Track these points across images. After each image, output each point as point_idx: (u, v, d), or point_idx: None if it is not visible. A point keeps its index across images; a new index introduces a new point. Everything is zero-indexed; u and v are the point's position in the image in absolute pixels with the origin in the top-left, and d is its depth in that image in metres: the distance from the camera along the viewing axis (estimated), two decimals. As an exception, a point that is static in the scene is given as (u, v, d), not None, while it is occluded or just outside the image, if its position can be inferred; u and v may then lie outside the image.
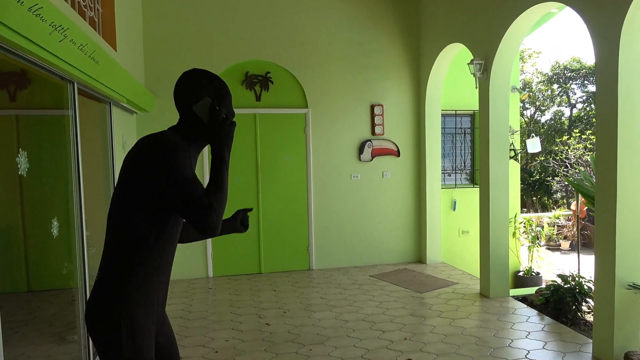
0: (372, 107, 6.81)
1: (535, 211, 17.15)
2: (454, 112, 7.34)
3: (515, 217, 7.54)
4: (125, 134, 5.49)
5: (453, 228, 7.39)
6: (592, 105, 18.41)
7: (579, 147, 12.27)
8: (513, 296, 5.38)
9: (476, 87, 5.37)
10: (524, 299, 5.28)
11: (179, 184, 1.57)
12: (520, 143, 7.89)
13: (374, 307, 5.13)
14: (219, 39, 6.35)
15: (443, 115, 7.17)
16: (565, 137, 13.97)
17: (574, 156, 11.74)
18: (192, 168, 1.67)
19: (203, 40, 6.30)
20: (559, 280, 4.94)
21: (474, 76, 5.28)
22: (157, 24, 6.19)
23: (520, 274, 7.35)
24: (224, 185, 1.67)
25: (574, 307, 4.73)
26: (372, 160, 6.84)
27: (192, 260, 6.39)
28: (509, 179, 5.40)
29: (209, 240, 6.39)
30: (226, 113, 1.75)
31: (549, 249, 10.93)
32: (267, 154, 6.55)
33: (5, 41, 2.25)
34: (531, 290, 5.63)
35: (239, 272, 6.54)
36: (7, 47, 2.34)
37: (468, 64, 5.29)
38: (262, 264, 6.61)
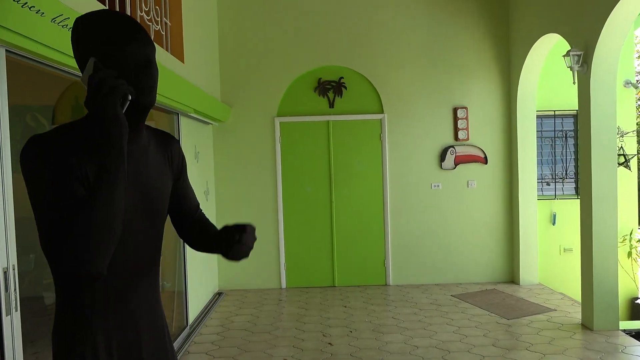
0: (455, 110, 6.24)
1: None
2: (552, 113, 6.48)
3: (630, 234, 6.43)
4: (198, 144, 5.57)
5: (553, 245, 6.50)
6: None
7: None
8: (624, 330, 4.50)
9: (574, 83, 4.63)
10: (638, 335, 4.39)
11: (32, 203, 1.13)
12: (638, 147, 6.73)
13: (450, 332, 4.60)
14: (292, 46, 6.24)
15: (539, 117, 6.35)
16: None
17: None
18: (70, 173, 1.12)
19: (276, 49, 6.23)
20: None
21: (570, 70, 4.55)
22: (232, 35, 6.25)
23: (638, 301, 6.23)
24: (102, 197, 1.08)
25: None
26: (455, 168, 6.26)
27: (266, 270, 6.32)
28: (619, 189, 4.56)
29: (282, 251, 6.29)
30: (112, 74, 1.13)
31: (680, 271, 9.27)
32: (341, 163, 6.29)
33: (35, 55, 2.26)
34: (649, 324, 4.70)
35: (312, 285, 6.34)
36: (41, 61, 2.36)
37: (563, 56, 4.58)
38: (336, 278, 6.34)
